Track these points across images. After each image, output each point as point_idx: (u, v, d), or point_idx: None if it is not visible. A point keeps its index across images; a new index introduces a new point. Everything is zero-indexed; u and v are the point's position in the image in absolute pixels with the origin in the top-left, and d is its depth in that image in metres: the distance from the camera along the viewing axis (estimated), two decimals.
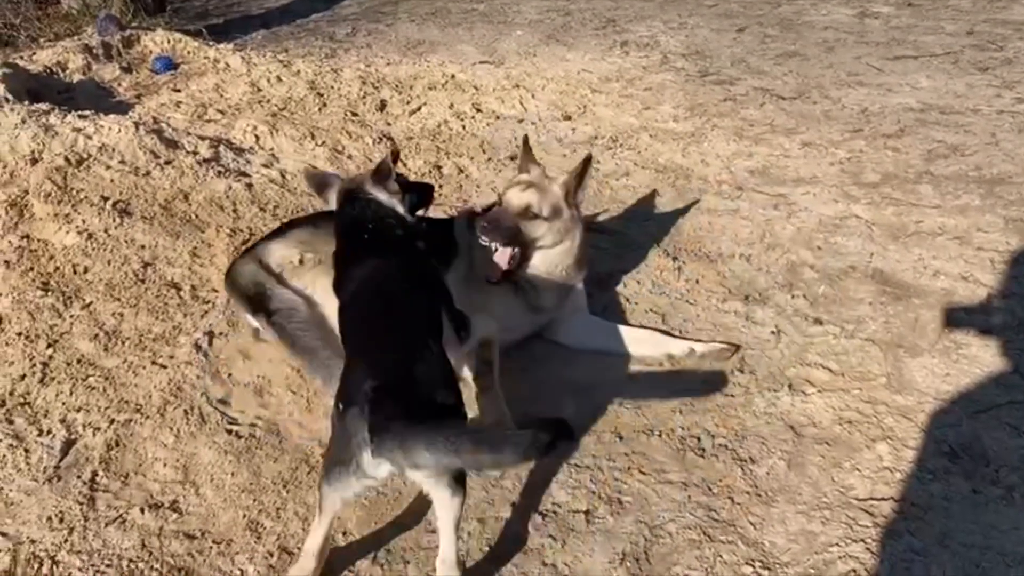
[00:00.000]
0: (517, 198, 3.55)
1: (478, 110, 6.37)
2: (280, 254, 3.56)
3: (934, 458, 3.06)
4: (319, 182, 3.35)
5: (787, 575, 2.64)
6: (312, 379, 3.40)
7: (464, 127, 5.99)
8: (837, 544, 2.73)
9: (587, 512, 2.90)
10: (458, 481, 2.46)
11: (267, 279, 3.58)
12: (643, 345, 3.69)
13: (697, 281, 4.20)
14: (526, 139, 3.81)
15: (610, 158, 5.61)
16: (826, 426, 3.24)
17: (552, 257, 3.64)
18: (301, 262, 3.52)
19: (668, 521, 2.84)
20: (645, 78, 7.24)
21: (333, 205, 3.23)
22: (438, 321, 2.88)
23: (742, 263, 4.31)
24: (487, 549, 2.79)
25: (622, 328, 3.77)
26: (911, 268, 4.20)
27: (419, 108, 6.32)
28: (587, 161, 3.64)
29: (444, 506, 2.50)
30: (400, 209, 3.15)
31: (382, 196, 3.13)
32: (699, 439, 3.21)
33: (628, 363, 3.64)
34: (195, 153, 4.80)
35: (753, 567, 2.67)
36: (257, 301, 3.50)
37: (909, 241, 4.46)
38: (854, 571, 2.64)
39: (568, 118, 6.34)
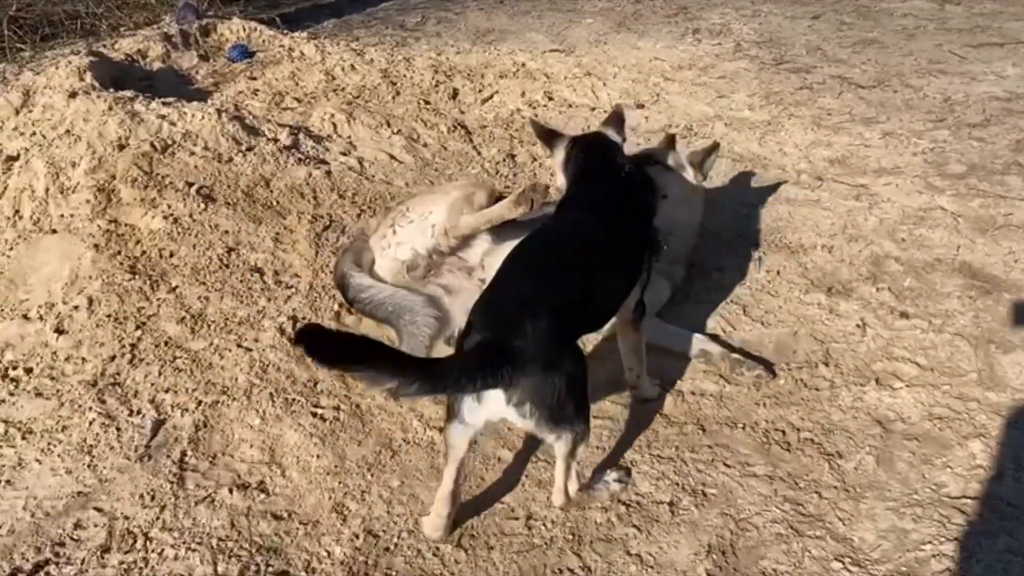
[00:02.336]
0: None
1: (550, 99, 6.34)
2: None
3: None
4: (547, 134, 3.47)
5: (878, 572, 2.59)
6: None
7: (536, 115, 5.98)
8: (930, 542, 2.67)
9: (671, 503, 2.88)
10: (560, 426, 2.60)
11: (349, 267, 3.66)
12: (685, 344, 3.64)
13: (778, 272, 4.13)
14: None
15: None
16: (915, 422, 3.17)
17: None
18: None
19: (754, 515, 2.81)
20: (718, 66, 7.13)
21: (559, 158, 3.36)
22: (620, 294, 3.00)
23: (824, 254, 4.24)
24: (571, 537, 2.79)
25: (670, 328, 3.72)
26: (1000, 261, 4.09)
27: (491, 97, 6.32)
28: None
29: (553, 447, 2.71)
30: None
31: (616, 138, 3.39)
32: (784, 432, 3.16)
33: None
34: (275, 140, 4.86)
35: (843, 563, 2.63)
36: (343, 289, 3.71)
37: (998, 234, 4.33)
38: (948, 570, 2.58)
39: (641, 106, 6.28)
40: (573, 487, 2.81)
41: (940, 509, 2.79)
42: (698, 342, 3.59)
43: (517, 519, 2.87)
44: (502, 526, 2.85)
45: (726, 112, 6.12)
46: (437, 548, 2.77)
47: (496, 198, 3.68)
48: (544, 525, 2.84)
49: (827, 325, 3.73)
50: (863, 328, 3.69)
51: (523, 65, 7.11)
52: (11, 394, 3.43)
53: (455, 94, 6.36)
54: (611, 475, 2.96)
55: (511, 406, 2.48)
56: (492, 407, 2.52)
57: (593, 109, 6.22)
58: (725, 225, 4.56)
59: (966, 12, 8.31)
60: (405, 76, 6.61)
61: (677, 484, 2.95)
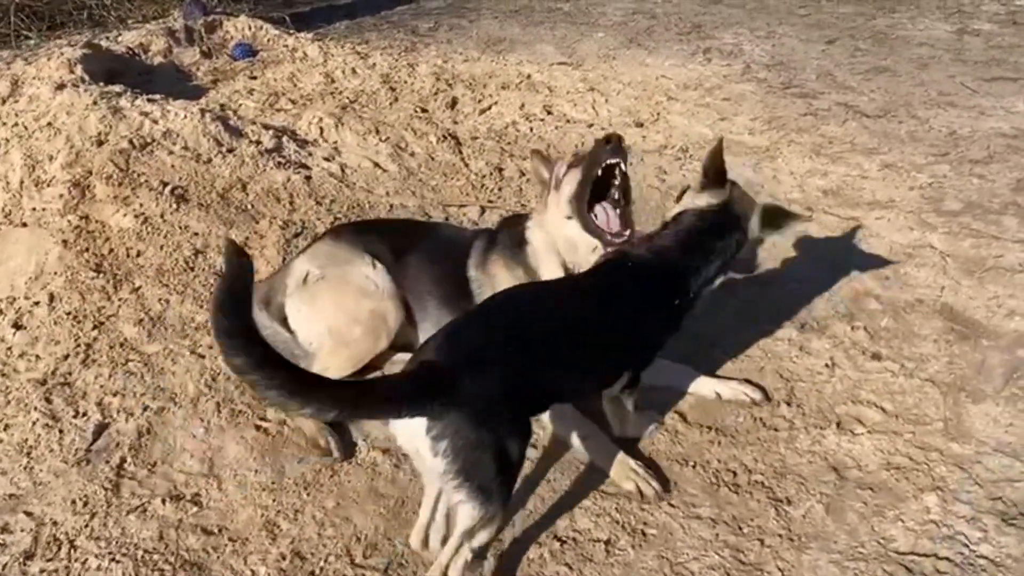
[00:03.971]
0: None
1: (549, 112, 6.28)
2: (299, 270, 3.52)
3: (987, 516, 2.85)
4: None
5: None
6: None
7: (532, 129, 5.91)
8: None
9: (607, 542, 2.79)
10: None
11: (257, 303, 3.48)
12: (667, 377, 3.49)
13: (754, 303, 4.03)
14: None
15: (677, 169, 5.46)
16: (872, 470, 3.06)
17: None
18: (305, 281, 3.48)
19: (691, 559, 2.71)
20: (725, 87, 7.04)
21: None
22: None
23: (803, 288, 4.13)
24: (506, 572, 2.71)
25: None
26: (984, 306, 3.96)
27: (489, 107, 6.26)
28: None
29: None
30: None
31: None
32: (735, 473, 3.07)
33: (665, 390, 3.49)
34: (258, 143, 4.83)
35: None
36: None
37: (985, 276, 4.21)
38: None
39: (640, 125, 6.20)
40: (455, 573, 2.49)
41: (885, 565, 2.69)
42: (707, 383, 3.47)
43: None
44: (433, 556, 2.77)
45: (725, 135, 6.01)
46: (363, 575, 2.70)
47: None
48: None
49: (795, 363, 3.63)
50: (832, 368, 3.59)
51: (528, 77, 7.06)
52: None
53: (454, 103, 6.31)
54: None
55: (428, 437, 2.23)
56: (411, 429, 2.26)
57: (591, 125, 6.14)
58: None
59: (984, 44, 8.16)
60: (405, 82, 6.57)
61: (617, 522, 2.86)
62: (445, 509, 2.61)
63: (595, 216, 3.24)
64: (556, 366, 2.51)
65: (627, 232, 3.19)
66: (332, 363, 3.37)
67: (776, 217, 3.12)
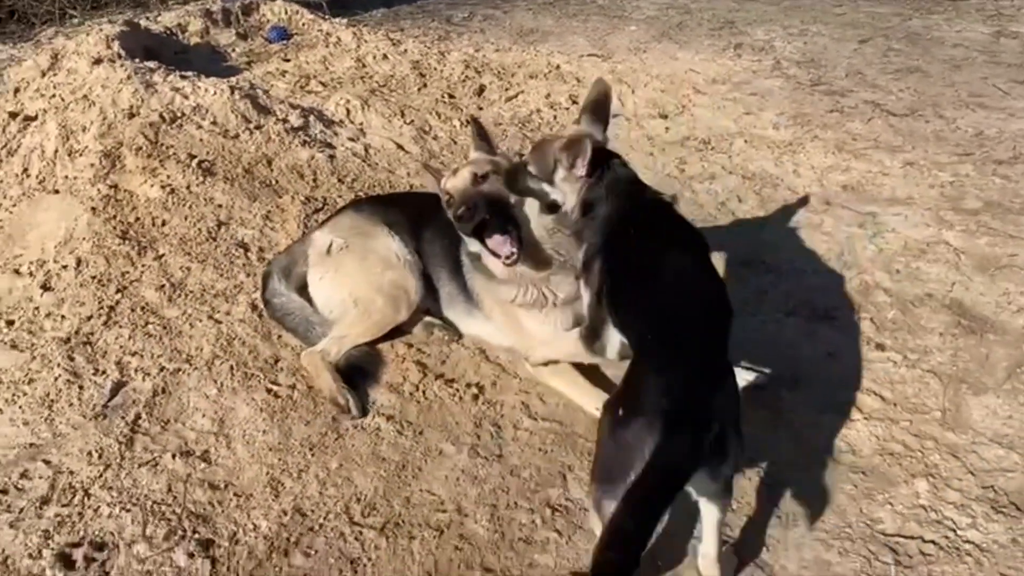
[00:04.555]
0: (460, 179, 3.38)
1: (574, 102, 6.34)
2: (322, 241, 3.67)
3: (977, 503, 2.89)
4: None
5: None
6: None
7: (555, 117, 5.98)
8: None
9: None
10: (727, 491, 2.45)
11: (277, 271, 3.72)
12: None
13: (765, 293, 4.08)
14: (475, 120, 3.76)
15: (698, 160, 5.50)
16: (865, 455, 3.11)
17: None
18: (329, 251, 3.60)
19: (682, 532, 2.78)
20: (753, 82, 7.05)
21: None
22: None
23: (814, 279, 4.17)
24: (495, 535, 2.79)
25: None
26: (993, 302, 3.97)
27: (516, 96, 6.33)
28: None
29: (710, 510, 2.49)
30: None
31: None
32: None
33: None
34: (285, 121, 4.95)
35: None
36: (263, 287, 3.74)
37: (998, 274, 4.21)
38: None
39: (664, 116, 6.24)
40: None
41: (870, 545, 2.73)
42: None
43: (445, 512, 2.89)
44: (429, 517, 2.87)
45: (749, 129, 6.05)
46: (360, 533, 2.80)
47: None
48: (473, 520, 2.86)
49: (799, 350, 3.67)
50: (835, 356, 3.62)
51: (557, 67, 7.13)
52: None
53: (481, 90, 6.40)
54: None
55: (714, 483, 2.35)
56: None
57: (615, 116, 6.16)
58: (717, 241, 4.49)
59: (1021, 46, 8.07)
60: (435, 69, 6.67)
61: None
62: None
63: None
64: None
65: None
66: (354, 331, 3.52)
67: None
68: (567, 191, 2.95)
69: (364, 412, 3.29)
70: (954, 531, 2.79)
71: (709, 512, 2.48)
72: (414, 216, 3.76)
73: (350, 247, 3.64)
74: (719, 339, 2.54)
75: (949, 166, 5.45)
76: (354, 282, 3.59)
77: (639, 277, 2.70)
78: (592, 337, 2.94)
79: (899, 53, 7.95)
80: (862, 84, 7.06)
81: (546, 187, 2.96)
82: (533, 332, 3.35)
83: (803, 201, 4.99)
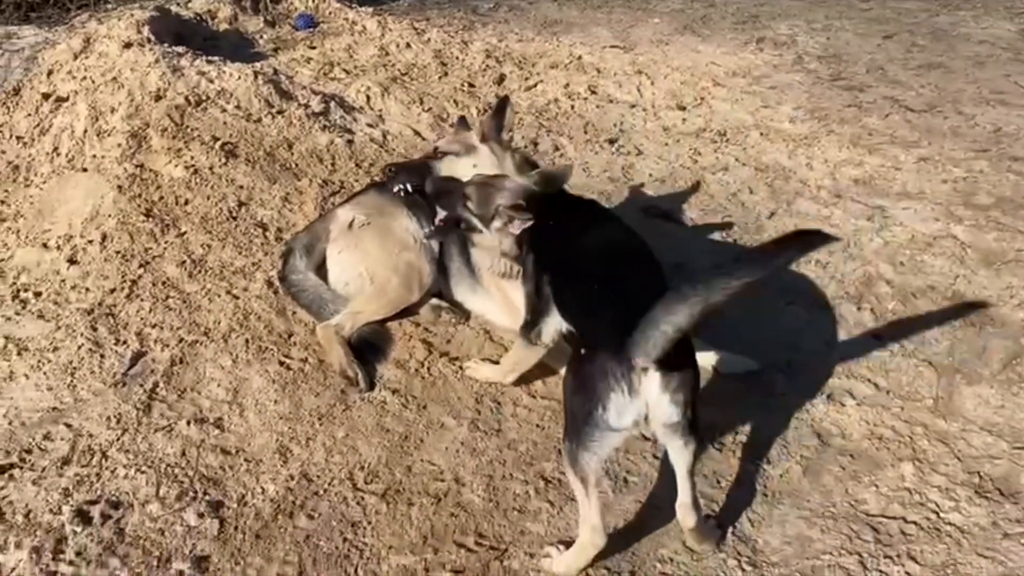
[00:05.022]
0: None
1: (592, 92, 6.43)
2: (344, 217, 3.81)
3: (961, 487, 2.96)
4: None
5: (771, 574, 2.65)
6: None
7: (573, 107, 6.07)
8: (830, 553, 2.71)
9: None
10: (691, 430, 2.53)
11: (299, 248, 3.84)
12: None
13: (765, 281, 4.13)
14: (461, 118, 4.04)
15: (712, 151, 5.57)
16: (855, 439, 3.19)
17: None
18: (351, 226, 3.74)
19: (667, 505, 2.86)
20: (773, 76, 7.09)
21: None
22: None
23: (817, 270, 4.23)
24: (489, 504, 2.91)
25: None
26: (996, 295, 4.02)
27: (535, 85, 6.43)
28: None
29: (681, 455, 2.58)
30: None
31: None
32: (722, 433, 3.22)
33: None
34: (306, 106, 5.08)
35: (739, 561, 2.70)
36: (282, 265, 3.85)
37: (1003, 268, 4.26)
38: None
39: (682, 108, 6.31)
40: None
41: (852, 524, 2.82)
42: (705, 357, 3.52)
43: (443, 481, 3.01)
44: (428, 486, 2.99)
45: (765, 122, 6.11)
46: (362, 498, 2.93)
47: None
48: (469, 489, 2.97)
49: (797, 338, 3.74)
50: (832, 344, 3.70)
51: (579, 58, 7.21)
52: (17, 313, 3.73)
53: (501, 79, 6.50)
54: None
55: (667, 392, 2.41)
56: (649, 390, 2.41)
57: (633, 106, 6.28)
58: (724, 231, 4.58)
59: None
60: (457, 58, 6.78)
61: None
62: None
63: None
64: None
65: None
66: (368, 308, 3.67)
67: None
68: (501, 237, 3.27)
69: (372, 386, 3.42)
70: (936, 513, 2.86)
71: (679, 457, 2.58)
72: None
73: (371, 224, 3.78)
74: (655, 283, 2.68)
75: (964, 162, 5.48)
76: (372, 260, 3.73)
77: (567, 259, 2.95)
78: (529, 327, 3.15)
79: (922, 49, 7.95)
80: (883, 79, 7.08)
81: (478, 223, 3.27)
82: (516, 303, 3.47)
83: (813, 193, 5.05)
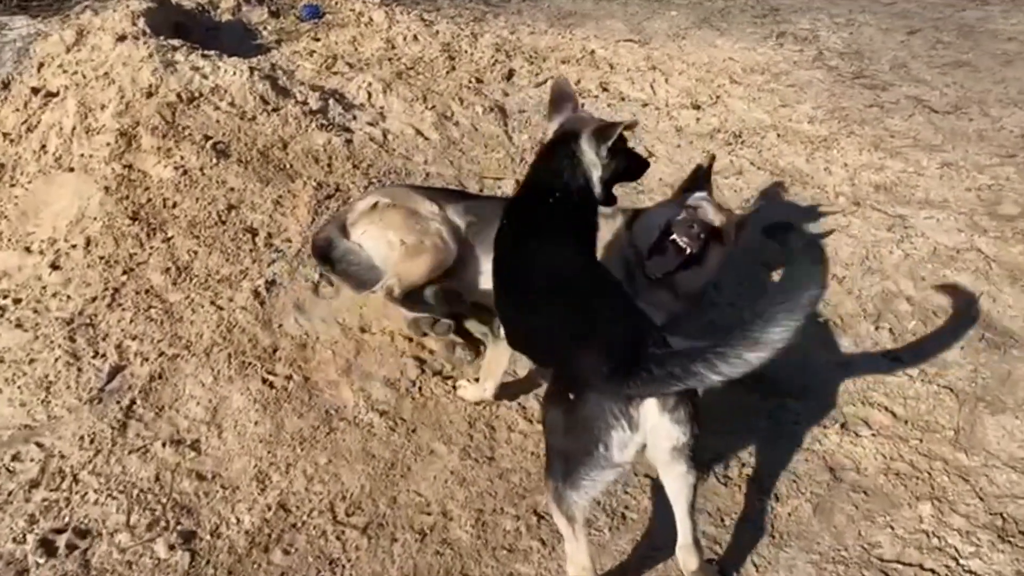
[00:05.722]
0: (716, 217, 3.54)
1: (604, 89, 6.21)
2: (367, 202, 3.69)
3: (983, 531, 2.77)
4: (560, 96, 3.20)
5: None
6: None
7: (583, 105, 5.84)
8: None
9: (586, 522, 2.79)
10: (693, 459, 2.39)
11: (336, 234, 3.66)
12: None
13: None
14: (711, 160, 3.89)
15: (726, 154, 5.35)
16: (870, 474, 3.00)
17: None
18: (375, 207, 3.62)
19: (665, 546, 2.69)
20: (792, 73, 6.85)
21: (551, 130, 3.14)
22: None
23: (833, 284, 4.03)
24: (477, 541, 2.74)
25: None
26: (1021, 315, 3.81)
27: (545, 82, 6.21)
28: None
29: (682, 487, 2.44)
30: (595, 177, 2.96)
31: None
32: (727, 465, 3.04)
33: None
34: (304, 103, 4.89)
35: None
36: (326, 253, 3.63)
37: None
38: None
39: (697, 107, 6.09)
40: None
41: (865, 570, 2.64)
42: None
43: (430, 514, 2.84)
44: (413, 519, 2.82)
45: (783, 122, 5.88)
46: (342, 532, 2.77)
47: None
48: (457, 524, 2.81)
49: (810, 359, 3.55)
50: (847, 367, 3.50)
51: (592, 52, 6.98)
52: None
53: (510, 75, 6.29)
54: None
55: (666, 412, 2.28)
56: (647, 417, 2.29)
57: (645, 104, 6.06)
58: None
59: None
60: (465, 52, 6.57)
61: (599, 503, 2.86)
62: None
63: None
64: None
65: None
66: (405, 270, 3.49)
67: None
68: None
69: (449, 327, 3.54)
70: (956, 560, 2.68)
71: (679, 490, 2.43)
72: (458, 194, 3.97)
73: (395, 204, 3.65)
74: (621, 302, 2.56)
75: (989, 168, 5.24)
76: (398, 229, 3.57)
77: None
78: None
79: (948, 46, 7.68)
80: (906, 78, 6.83)
81: None
82: None
83: (832, 201, 4.83)
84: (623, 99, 6.11)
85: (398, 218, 3.58)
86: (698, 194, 3.63)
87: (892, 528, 2.78)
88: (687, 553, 2.48)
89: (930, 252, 4.30)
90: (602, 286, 2.62)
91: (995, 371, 3.47)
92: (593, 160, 2.91)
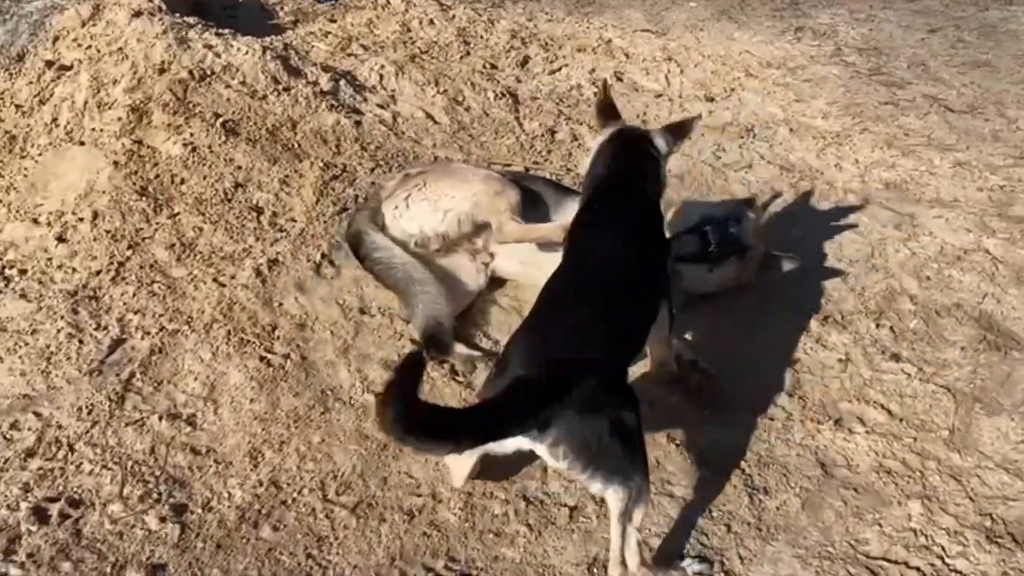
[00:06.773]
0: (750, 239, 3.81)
1: (619, 79, 6.19)
2: (397, 177, 3.81)
3: (971, 531, 2.76)
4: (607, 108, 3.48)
5: None
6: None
7: (595, 94, 5.82)
8: None
9: (574, 508, 2.82)
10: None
11: (367, 225, 3.70)
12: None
13: (781, 291, 3.94)
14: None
15: (736, 147, 5.32)
16: (861, 471, 2.99)
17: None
18: (408, 176, 3.76)
19: (652, 535, 2.71)
20: (808, 68, 6.80)
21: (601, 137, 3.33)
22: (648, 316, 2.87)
23: (835, 281, 4.01)
24: (465, 524, 2.76)
25: None
26: None
27: (559, 69, 6.20)
28: None
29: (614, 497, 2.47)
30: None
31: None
32: (719, 457, 3.03)
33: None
34: (315, 84, 4.91)
35: None
36: (355, 246, 3.71)
37: None
38: None
39: (710, 99, 6.06)
40: (633, 560, 2.51)
41: (850, 566, 2.64)
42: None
43: (420, 496, 2.86)
44: (402, 501, 2.84)
45: (796, 117, 5.85)
46: (331, 511, 2.79)
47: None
48: (445, 507, 2.82)
49: (807, 354, 3.54)
50: (845, 364, 3.49)
51: (608, 42, 6.95)
52: (0, 292, 3.61)
53: (524, 61, 6.27)
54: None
55: (544, 446, 2.34)
56: (519, 442, 2.37)
57: (659, 96, 6.04)
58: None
59: None
60: (481, 37, 6.55)
61: (587, 490, 2.86)
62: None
63: None
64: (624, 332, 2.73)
65: None
66: (493, 205, 3.59)
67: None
68: None
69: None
70: (942, 559, 2.67)
71: (610, 500, 2.45)
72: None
73: (427, 172, 3.80)
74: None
75: (1002, 168, 5.19)
76: (448, 184, 3.68)
77: None
78: None
79: (968, 45, 7.60)
80: (923, 76, 6.77)
81: None
82: None
83: (840, 197, 4.81)
84: (636, 89, 6.09)
85: (441, 176, 3.75)
86: (750, 214, 3.94)
87: (880, 525, 2.78)
88: (613, 566, 2.52)
89: (937, 251, 4.27)
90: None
91: (994, 372, 3.45)
92: (665, 155, 3.22)
